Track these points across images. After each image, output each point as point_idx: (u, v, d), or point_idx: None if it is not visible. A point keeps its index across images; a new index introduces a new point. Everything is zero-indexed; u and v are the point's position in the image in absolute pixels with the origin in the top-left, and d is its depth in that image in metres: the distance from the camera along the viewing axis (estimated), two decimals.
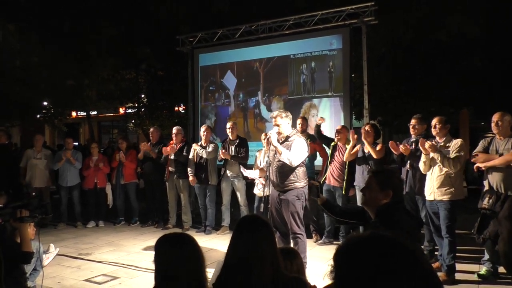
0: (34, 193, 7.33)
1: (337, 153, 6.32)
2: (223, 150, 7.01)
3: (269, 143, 4.70)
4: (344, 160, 6.05)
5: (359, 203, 5.83)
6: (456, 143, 4.69)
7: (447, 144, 4.74)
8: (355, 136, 5.91)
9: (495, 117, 4.57)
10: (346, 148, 6.13)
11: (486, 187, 4.55)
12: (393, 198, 2.65)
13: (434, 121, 4.84)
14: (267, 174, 4.75)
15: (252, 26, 8.61)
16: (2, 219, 2.89)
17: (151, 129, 8.22)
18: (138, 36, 15.48)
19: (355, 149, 5.90)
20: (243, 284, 1.85)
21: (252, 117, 8.84)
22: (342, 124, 7.47)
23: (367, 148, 5.79)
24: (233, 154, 6.98)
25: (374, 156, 5.70)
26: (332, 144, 6.44)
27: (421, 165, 4.90)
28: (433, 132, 4.86)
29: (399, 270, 0.94)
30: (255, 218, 2.14)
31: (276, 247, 1.98)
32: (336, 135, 6.30)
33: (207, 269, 2.04)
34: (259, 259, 1.87)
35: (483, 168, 4.55)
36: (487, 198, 4.42)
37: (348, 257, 1.02)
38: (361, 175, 5.86)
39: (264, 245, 1.91)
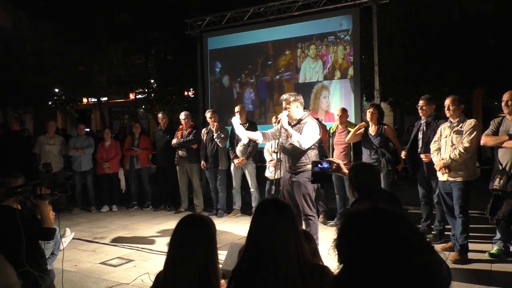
0: (53, 171, 7.47)
1: (337, 138, 6.31)
2: (239, 160, 7.03)
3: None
4: (346, 140, 6.05)
5: None
6: (469, 123, 4.61)
7: (461, 125, 4.67)
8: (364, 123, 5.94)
9: (505, 96, 4.48)
10: (347, 131, 6.21)
11: (497, 167, 4.52)
12: (361, 195, 2.66)
13: (447, 102, 4.74)
14: (279, 156, 4.75)
15: (261, 8, 8.51)
16: (23, 196, 2.97)
17: (160, 115, 8.25)
18: (147, 21, 15.44)
19: (360, 131, 5.93)
20: (268, 270, 1.77)
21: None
22: (353, 105, 7.45)
23: (372, 131, 5.84)
24: (243, 142, 6.99)
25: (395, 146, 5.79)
26: (332, 130, 6.42)
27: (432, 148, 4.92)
28: (447, 113, 4.77)
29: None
30: (276, 201, 2.01)
31: (299, 230, 1.89)
32: (338, 120, 6.34)
33: (219, 251, 2.05)
34: (283, 244, 1.79)
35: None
36: (498, 179, 4.38)
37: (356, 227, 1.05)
38: (368, 157, 5.88)
39: (287, 229, 1.83)
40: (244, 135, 5.00)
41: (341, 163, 3.46)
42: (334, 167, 3.43)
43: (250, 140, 6.92)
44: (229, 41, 9.11)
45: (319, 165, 3.50)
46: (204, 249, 1.87)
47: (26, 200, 2.98)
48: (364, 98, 9.16)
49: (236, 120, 5.04)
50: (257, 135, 4.90)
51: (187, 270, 1.81)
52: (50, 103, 16.23)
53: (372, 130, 5.89)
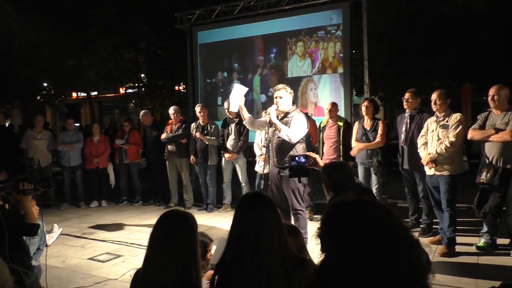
0: (36, 166, 7.38)
1: (327, 132, 6.31)
2: (229, 154, 7.00)
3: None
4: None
5: (360, 178, 5.90)
6: (455, 117, 4.64)
7: (446, 119, 4.70)
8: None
9: (491, 91, 4.53)
10: (337, 125, 6.21)
11: (483, 161, 4.56)
12: (336, 193, 2.71)
13: (434, 96, 4.77)
14: (267, 151, 4.74)
15: (251, 2, 8.46)
16: (5, 192, 2.91)
17: (142, 114, 8.21)
18: (136, 15, 15.29)
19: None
20: (251, 265, 1.76)
21: None
22: (343, 100, 7.43)
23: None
24: (233, 136, 6.99)
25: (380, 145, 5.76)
26: (322, 124, 6.42)
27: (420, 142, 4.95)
28: (433, 107, 4.80)
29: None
30: (258, 195, 2.02)
31: (282, 224, 1.88)
32: (328, 114, 6.32)
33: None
34: (266, 238, 1.78)
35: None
36: (484, 173, 4.42)
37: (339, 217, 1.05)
38: (362, 151, 5.88)
39: (270, 223, 1.82)
40: (236, 104, 4.93)
41: (318, 157, 3.52)
42: (311, 161, 3.47)
43: (240, 134, 6.92)
44: (219, 35, 9.05)
45: (296, 159, 3.55)
46: (185, 244, 1.85)
47: (9, 196, 2.93)
48: (354, 92, 9.18)
49: (238, 88, 4.91)
50: (247, 115, 4.90)
51: (167, 266, 1.80)
52: (38, 97, 16.03)
53: (367, 124, 5.90)
